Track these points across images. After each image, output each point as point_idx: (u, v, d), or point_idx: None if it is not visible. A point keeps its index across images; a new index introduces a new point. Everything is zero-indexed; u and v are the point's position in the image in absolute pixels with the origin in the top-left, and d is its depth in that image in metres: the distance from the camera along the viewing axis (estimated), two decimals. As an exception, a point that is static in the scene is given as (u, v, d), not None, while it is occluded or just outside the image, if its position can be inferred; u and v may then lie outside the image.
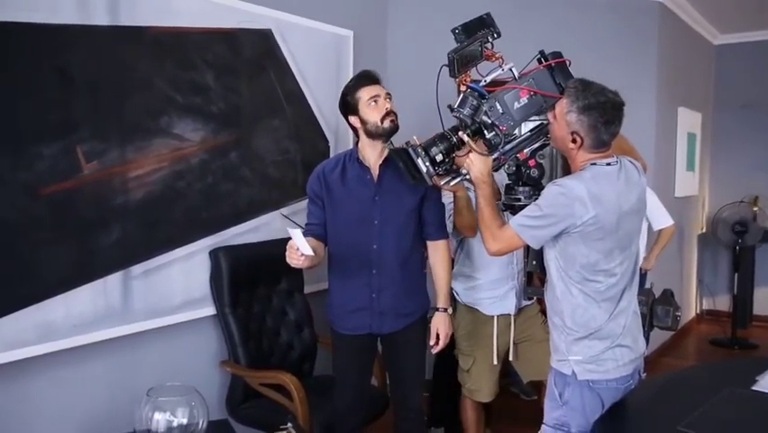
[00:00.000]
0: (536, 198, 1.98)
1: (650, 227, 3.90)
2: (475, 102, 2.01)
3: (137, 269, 2.56)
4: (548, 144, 2.10)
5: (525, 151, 2.07)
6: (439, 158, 2.01)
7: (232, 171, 2.93)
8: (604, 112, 1.85)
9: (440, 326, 2.51)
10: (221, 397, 2.86)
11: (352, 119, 2.42)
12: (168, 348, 2.73)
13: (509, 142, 2.03)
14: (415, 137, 2.14)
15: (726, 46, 6.19)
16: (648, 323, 2.90)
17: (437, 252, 2.54)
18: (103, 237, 2.43)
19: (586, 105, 1.85)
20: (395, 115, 2.39)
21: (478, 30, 2.04)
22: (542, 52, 2.06)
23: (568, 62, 2.04)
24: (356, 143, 2.51)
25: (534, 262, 2.10)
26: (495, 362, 2.76)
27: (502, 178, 2.22)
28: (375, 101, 2.36)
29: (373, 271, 2.43)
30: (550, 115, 1.96)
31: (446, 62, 2.05)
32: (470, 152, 2.03)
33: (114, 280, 2.47)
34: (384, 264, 2.43)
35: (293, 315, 3.06)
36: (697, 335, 5.97)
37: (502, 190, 2.21)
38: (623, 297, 1.95)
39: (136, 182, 2.54)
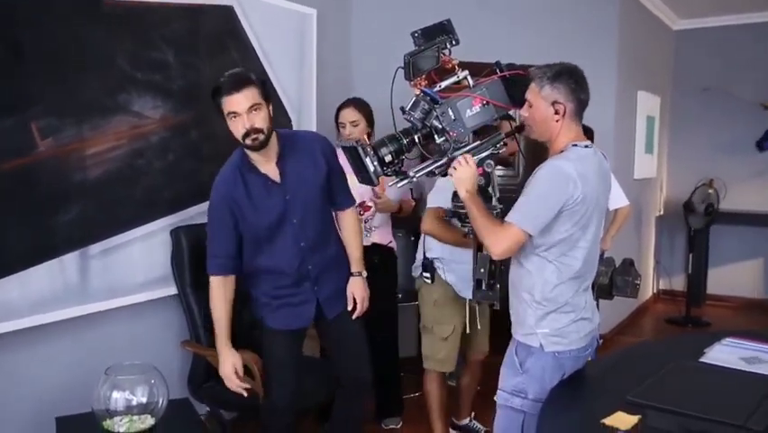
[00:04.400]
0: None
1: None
2: (427, 106, 2.01)
3: (96, 248, 2.52)
4: (497, 153, 2.11)
5: (474, 158, 2.07)
6: (388, 158, 2.00)
7: (193, 149, 2.90)
8: (572, 74, 1.94)
9: (356, 290, 2.53)
10: (183, 376, 2.85)
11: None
12: (129, 328, 2.71)
13: (458, 148, 2.04)
14: (365, 136, 2.13)
15: (685, 31, 6.31)
16: (608, 292, 2.98)
17: (346, 219, 2.58)
18: (60, 215, 2.39)
19: (554, 73, 1.93)
20: (260, 131, 2.21)
21: (437, 35, 2.04)
22: (498, 63, 2.08)
23: (527, 73, 2.07)
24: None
25: (483, 270, 2.13)
26: (468, 330, 2.92)
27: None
28: (234, 117, 2.21)
29: (309, 266, 2.43)
30: (524, 110, 2.00)
31: (408, 51, 2.04)
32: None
33: (71, 259, 2.44)
34: (316, 254, 2.44)
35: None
36: (653, 314, 6.14)
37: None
38: (588, 273, 2.05)
39: (94, 160, 2.50)
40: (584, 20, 4.61)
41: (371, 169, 2.00)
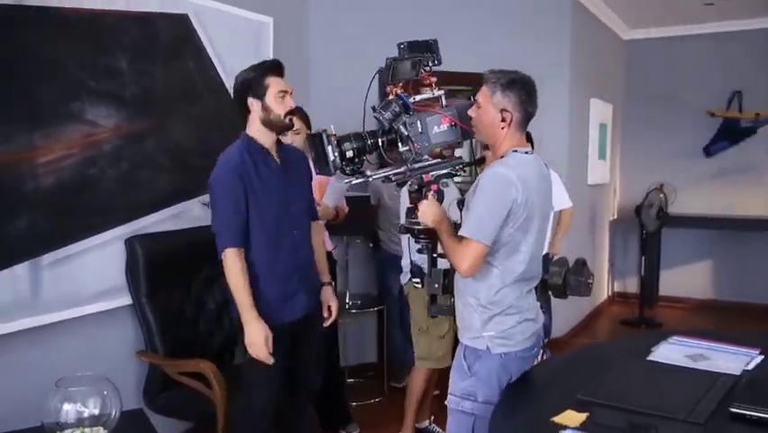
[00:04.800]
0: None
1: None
2: (398, 109, 2.01)
3: (47, 258, 2.47)
4: (454, 175, 2.13)
5: (430, 174, 2.08)
6: (349, 154, 2.01)
7: (148, 158, 2.86)
8: (524, 85, 1.98)
9: (330, 298, 2.63)
10: (139, 387, 2.79)
11: (253, 102, 2.36)
12: (83, 339, 2.65)
13: (418, 162, 2.05)
14: (332, 126, 2.15)
15: (635, 41, 6.48)
16: (562, 292, 3.01)
17: (318, 229, 2.68)
18: (9, 225, 2.33)
19: (508, 81, 1.96)
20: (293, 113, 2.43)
21: (422, 51, 2.07)
22: (472, 93, 2.13)
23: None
24: (245, 131, 2.42)
25: (437, 285, 2.13)
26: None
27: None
28: (283, 96, 2.36)
29: (299, 254, 2.48)
30: (472, 111, 2.02)
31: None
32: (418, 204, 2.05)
33: (21, 269, 2.38)
34: (303, 246, 2.50)
35: (213, 303, 3.01)
36: (609, 316, 6.25)
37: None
38: (532, 277, 2.07)
39: (45, 168, 2.45)
40: (538, 31, 4.70)
41: (331, 158, 1.99)
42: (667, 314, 6.10)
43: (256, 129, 2.39)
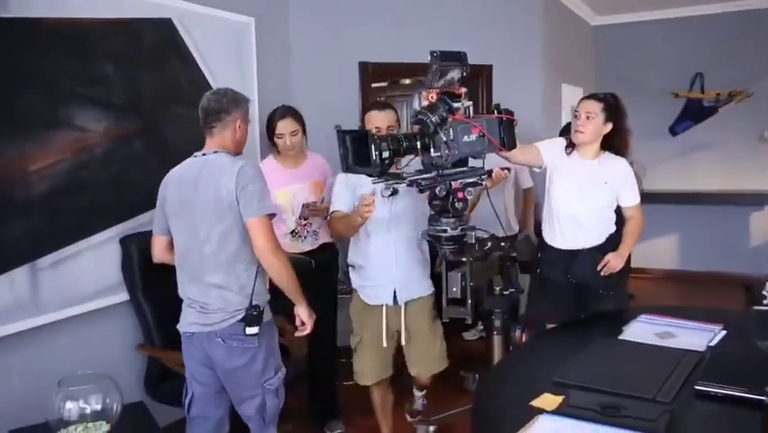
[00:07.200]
0: (462, 227, 1.97)
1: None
2: (444, 114, 1.89)
3: (45, 261, 2.44)
4: (480, 184, 2.03)
5: (458, 181, 1.98)
6: (385, 155, 1.84)
7: (138, 160, 2.82)
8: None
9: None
10: (141, 379, 2.78)
11: None
12: (83, 336, 2.63)
13: (445, 168, 1.94)
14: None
15: (603, 27, 6.44)
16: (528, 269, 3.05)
17: None
18: (5, 232, 2.29)
19: None
20: None
21: (452, 61, 1.94)
22: (497, 105, 2.04)
23: (515, 122, 2.05)
24: None
25: (455, 289, 2.03)
26: (384, 343, 2.58)
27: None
28: None
29: None
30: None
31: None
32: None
33: (20, 273, 2.35)
34: None
35: (208, 295, 2.99)
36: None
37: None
38: (190, 270, 2.24)
39: (38, 175, 2.41)
40: (510, 22, 4.65)
41: (374, 157, 1.81)
42: (637, 285, 6.15)
43: None
